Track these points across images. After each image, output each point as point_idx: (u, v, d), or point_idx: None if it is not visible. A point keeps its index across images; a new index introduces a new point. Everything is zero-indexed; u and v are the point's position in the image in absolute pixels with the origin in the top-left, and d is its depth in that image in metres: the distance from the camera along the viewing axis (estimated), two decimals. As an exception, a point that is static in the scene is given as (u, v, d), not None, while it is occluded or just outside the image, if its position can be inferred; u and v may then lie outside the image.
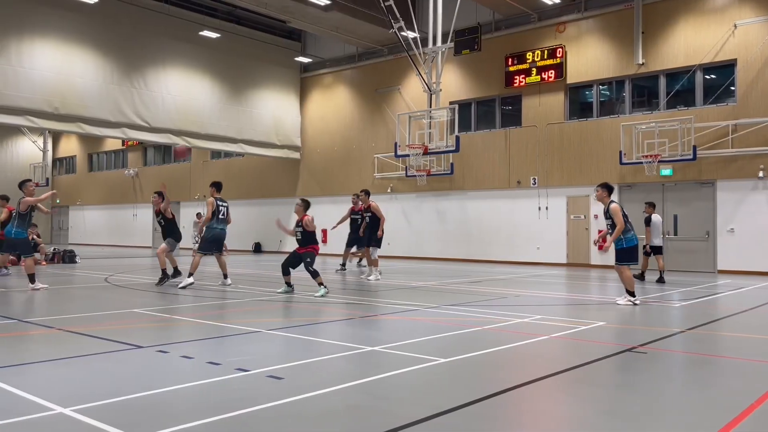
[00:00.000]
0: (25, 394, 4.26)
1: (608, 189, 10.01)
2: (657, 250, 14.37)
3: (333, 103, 26.46)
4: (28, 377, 4.84)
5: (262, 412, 3.94)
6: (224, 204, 12.67)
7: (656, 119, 18.14)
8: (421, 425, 3.73)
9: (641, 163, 18.02)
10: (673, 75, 18.56)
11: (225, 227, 12.72)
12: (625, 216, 9.66)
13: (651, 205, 14.55)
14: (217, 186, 12.78)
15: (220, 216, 12.61)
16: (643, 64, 18.68)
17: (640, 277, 14.35)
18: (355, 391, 4.50)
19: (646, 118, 18.51)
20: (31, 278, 11.30)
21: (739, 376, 5.24)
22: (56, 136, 39.05)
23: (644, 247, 14.23)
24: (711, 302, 10.69)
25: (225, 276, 12.61)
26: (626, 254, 9.64)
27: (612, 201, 9.73)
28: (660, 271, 14.28)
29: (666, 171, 18.14)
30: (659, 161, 17.75)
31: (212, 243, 12.49)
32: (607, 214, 9.78)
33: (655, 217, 14.46)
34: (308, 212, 11.36)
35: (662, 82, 18.70)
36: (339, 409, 4.10)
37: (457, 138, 19.14)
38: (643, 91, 19.48)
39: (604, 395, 4.56)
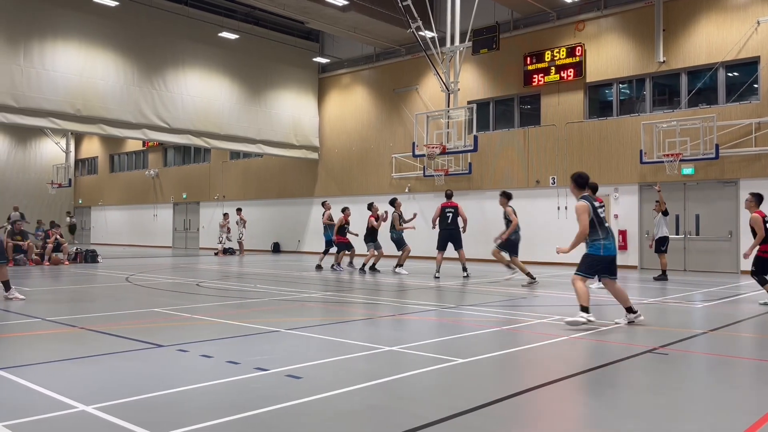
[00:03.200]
0: (48, 392, 4.32)
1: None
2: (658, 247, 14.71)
3: (351, 104, 26.51)
4: (52, 375, 4.92)
5: (281, 411, 3.96)
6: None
7: (678, 118, 17.91)
8: (440, 425, 3.72)
9: (662, 162, 17.80)
10: (694, 73, 18.31)
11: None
12: (598, 219, 7.71)
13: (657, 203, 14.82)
14: None
15: None
16: (664, 62, 18.46)
17: (663, 276, 14.32)
18: (373, 390, 4.50)
19: (667, 117, 18.28)
20: (6, 285, 9.90)
21: (762, 379, 5.15)
22: (78, 137, 39.60)
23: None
24: (734, 303, 10.52)
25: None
26: (583, 265, 7.79)
27: (582, 196, 7.82)
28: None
29: (688, 170, 17.91)
30: (681, 160, 17.52)
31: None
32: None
33: (658, 217, 14.76)
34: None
35: (684, 80, 18.46)
36: (358, 408, 4.11)
37: (476, 137, 19.05)
38: (664, 90, 19.24)
39: (624, 397, 4.51)
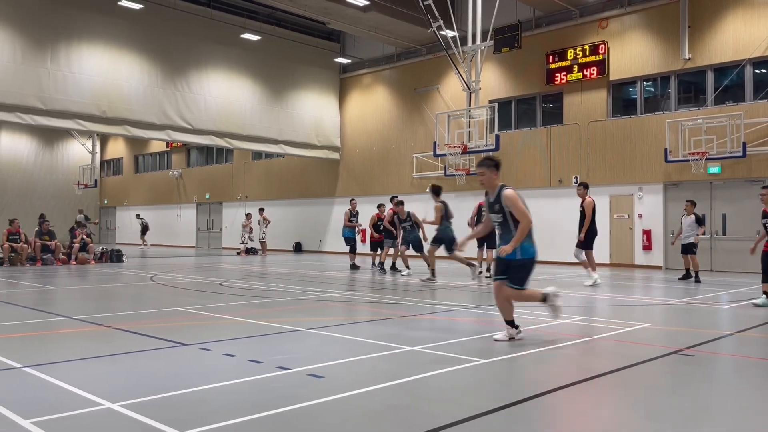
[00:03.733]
0: (75, 389, 4.40)
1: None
2: (686, 249, 14.08)
3: (372, 104, 26.54)
4: (78, 373, 5.00)
5: (303, 411, 3.98)
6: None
7: (704, 115, 17.62)
8: (461, 426, 3.71)
9: (688, 160, 17.53)
10: (721, 70, 18.00)
11: None
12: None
13: (690, 203, 14.18)
14: None
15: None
16: (689, 59, 18.18)
17: (695, 277, 13.82)
18: (394, 390, 4.51)
19: (692, 115, 18.00)
20: None
21: (792, 381, 5.05)
22: (104, 138, 40.20)
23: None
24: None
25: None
26: (520, 272, 6.36)
27: (504, 186, 6.65)
28: (687, 270, 14.20)
29: (714, 169, 17.61)
30: (707, 159, 17.25)
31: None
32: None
33: (685, 218, 14.15)
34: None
35: (710, 77, 18.16)
36: (379, 408, 4.11)
37: (497, 137, 18.95)
38: (690, 87, 18.95)
39: (649, 399, 4.45)
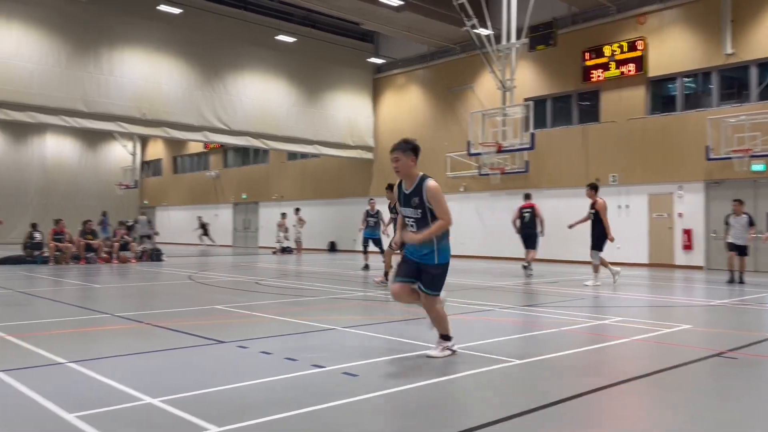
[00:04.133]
0: (117, 385, 4.52)
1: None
2: (735, 250, 13.27)
3: (405, 103, 26.54)
4: (120, 368, 5.14)
5: (338, 408, 4.02)
6: None
7: (747, 112, 17.12)
8: (496, 426, 3.69)
9: (730, 158, 17.07)
10: (765, 65, 17.46)
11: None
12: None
13: (739, 203, 13.38)
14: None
15: None
16: (732, 53, 17.69)
17: (739, 279, 13.19)
18: (429, 389, 4.51)
19: (735, 111, 17.51)
20: None
21: (841, 386, 4.88)
22: (144, 140, 41.10)
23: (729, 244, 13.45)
24: (809, 306, 9.98)
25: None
26: (439, 278, 5.50)
27: (426, 176, 5.62)
28: (734, 271, 13.38)
29: (758, 166, 17.10)
30: (750, 156, 16.76)
31: None
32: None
33: (736, 218, 13.30)
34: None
35: (753, 72, 17.64)
36: (412, 407, 4.12)
37: (532, 135, 18.77)
38: (732, 83, 18.43)
39: (690, 401, 4.35)
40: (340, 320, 7.91)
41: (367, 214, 16.81)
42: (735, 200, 13.62)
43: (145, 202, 42.86)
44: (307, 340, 6.53)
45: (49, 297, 10.29)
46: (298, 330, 7.06)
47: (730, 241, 13.34)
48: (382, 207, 16.03)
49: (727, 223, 13.58)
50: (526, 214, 14.86)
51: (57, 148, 38.23)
